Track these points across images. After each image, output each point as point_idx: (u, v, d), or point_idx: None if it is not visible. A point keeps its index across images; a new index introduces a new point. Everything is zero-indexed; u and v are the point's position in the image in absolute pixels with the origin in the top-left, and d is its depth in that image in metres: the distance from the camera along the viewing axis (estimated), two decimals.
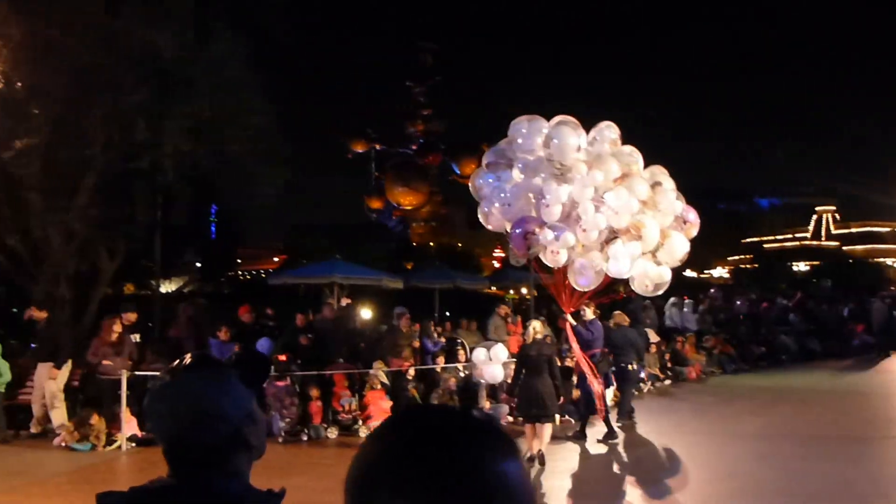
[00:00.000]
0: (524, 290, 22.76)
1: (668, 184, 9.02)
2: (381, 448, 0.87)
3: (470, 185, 9.44)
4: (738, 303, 21.97)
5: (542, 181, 8.46)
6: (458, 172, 22.01)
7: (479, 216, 9.14)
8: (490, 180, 8.98)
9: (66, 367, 10.93)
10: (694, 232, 9.32)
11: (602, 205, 8.32)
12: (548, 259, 8.60)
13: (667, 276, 9.01)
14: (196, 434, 1.60)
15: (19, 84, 10.89)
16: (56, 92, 11.24)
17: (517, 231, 8.54)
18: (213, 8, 12.25)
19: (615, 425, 10.63)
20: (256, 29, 13.30)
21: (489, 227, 9.23)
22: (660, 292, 9.59)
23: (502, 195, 8.80)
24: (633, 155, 8.89)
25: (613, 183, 8.41)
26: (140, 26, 11.43)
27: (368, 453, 0.88)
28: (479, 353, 10.78)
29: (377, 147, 24.14)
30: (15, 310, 14.34)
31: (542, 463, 9.00)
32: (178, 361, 1.70)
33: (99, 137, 11.80)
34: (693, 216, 9.29)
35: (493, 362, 10.57)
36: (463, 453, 0.83)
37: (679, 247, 8.88)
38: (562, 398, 9.92)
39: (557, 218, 8.35)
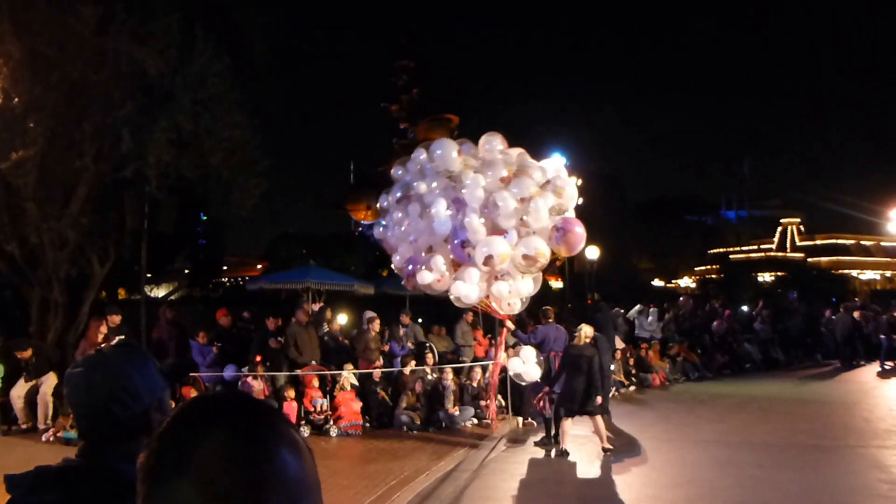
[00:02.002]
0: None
1: (565, 187, 8.84)
2: (169, 434, 0.89)
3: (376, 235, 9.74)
4: (716, 322, 21.19)
5: (437, 194, 8.74)
6: None
7: (395, 267, 9.39)
8: (397, 217, 9.24)
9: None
10: (576, 247, 8.82)
11: (490, 210, 8.44)
12: (433, 287, 8.86)
13: (504, 290, 8.94)
14: (107, 407, 1.66)
15: (17, 99, 11.33)
16: (51, 106, 11.67)
17: (455, 243, 8.67)
18: (197, 25, 12.63)
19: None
20: (239, 45, 13.76)
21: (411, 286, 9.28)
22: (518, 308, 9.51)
23: (411, 223, 9.06)
24: (522, 156, 9.12)
25: (501, 182, 8.63)
26: (127, 44, 11.83)
27: (160, 435, 0.89)
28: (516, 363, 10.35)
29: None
30: (18, 313, 14.87)
31: (606, 451, 9.87)
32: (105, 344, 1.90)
33: (90, 149, 12.21)
34: (579, 228, 8.73)
35: (527, 364, 10.26)
36: (240, 441, 0.85)
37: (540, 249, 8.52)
38: (599, 398, 10.11)
39: (447, 229, 8.61)
